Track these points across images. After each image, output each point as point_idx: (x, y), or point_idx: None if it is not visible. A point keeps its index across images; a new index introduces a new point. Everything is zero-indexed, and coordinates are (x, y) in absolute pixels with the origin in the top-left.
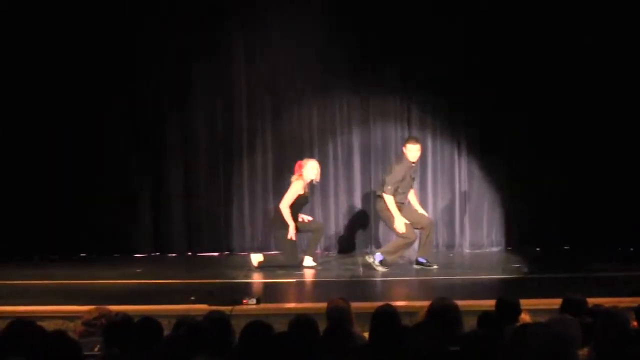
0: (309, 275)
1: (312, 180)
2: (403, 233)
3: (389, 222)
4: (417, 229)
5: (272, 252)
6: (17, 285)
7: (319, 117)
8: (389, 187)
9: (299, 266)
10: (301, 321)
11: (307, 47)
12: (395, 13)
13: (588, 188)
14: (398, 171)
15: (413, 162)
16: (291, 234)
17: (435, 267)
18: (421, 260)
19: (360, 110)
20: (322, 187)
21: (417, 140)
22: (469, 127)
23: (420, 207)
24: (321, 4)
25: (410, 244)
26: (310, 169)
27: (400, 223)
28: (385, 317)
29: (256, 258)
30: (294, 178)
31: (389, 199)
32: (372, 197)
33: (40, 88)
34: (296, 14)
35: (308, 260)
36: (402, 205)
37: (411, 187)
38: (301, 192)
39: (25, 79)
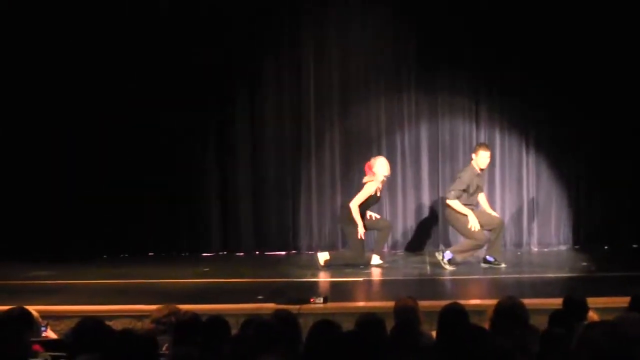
0: (376, 273)
1: (385, 177)
2: (473, 234)
3: (459, 224)
4: (487, 230)
5: (339, 250)
6: (84, 285)
7: (386, 114)
8: (452, 193)
9: (367, 265)
10: (368, 320)
11: (375, 44)
12: (463, 10)
13: None
14: (464, 178)
15: (481, 169)
16: (360, 232)
17: (503, 265)
18: (489, 259)
19: (428, 107)
20: (390, 184)
21: (488, 147)
22: (537, 125)
23: (490, 209)
24: (390, 1)
25: (480, 246)
26: (380, 167)
27: (473, 220)
28: (454, 316)
29: (323, 257)
30: (366, 179)
31: (454, 203)
32: (440, 204)
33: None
34: (363, 12)
35: (375, 259)
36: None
37: (479, 192)
38: (373, 193)
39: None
